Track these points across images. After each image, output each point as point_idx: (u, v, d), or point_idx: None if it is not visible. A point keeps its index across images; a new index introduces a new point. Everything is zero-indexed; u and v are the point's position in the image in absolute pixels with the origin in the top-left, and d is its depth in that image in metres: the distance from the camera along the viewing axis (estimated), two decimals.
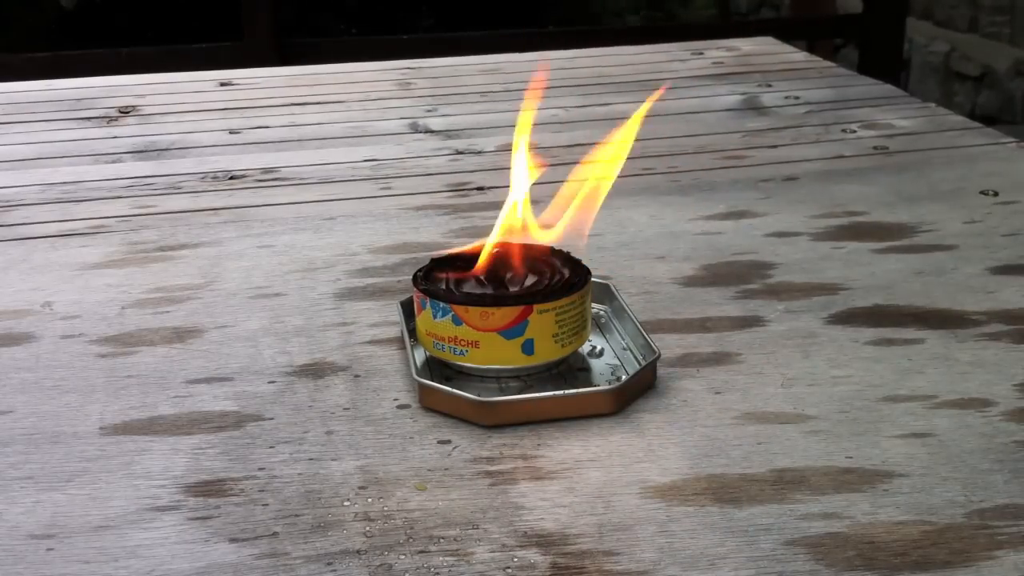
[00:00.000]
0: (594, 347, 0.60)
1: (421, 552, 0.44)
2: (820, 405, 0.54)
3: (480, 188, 0.90)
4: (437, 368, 0.58)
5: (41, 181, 0.94)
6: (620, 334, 0.61)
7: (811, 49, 2.09)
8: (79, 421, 0.54)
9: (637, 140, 0.61)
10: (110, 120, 1.15)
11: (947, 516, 0.45)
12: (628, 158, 0.61)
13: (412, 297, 0.59)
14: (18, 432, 0.54)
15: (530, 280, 0.58)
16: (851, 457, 0.50)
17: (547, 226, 0.59)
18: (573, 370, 0.58)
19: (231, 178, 0.94)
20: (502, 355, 0.55)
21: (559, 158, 0.97)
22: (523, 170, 0.58)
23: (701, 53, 1.40)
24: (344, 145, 1.04)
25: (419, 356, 0.59)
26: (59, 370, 0.60)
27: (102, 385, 0.58)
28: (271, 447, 0.52)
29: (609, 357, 0.60)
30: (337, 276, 0.72)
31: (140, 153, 1.03)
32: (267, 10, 2.26)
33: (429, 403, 0.55)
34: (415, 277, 0.58)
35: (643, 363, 0.57)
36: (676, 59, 1.39)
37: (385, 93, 1.25)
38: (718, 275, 0.71)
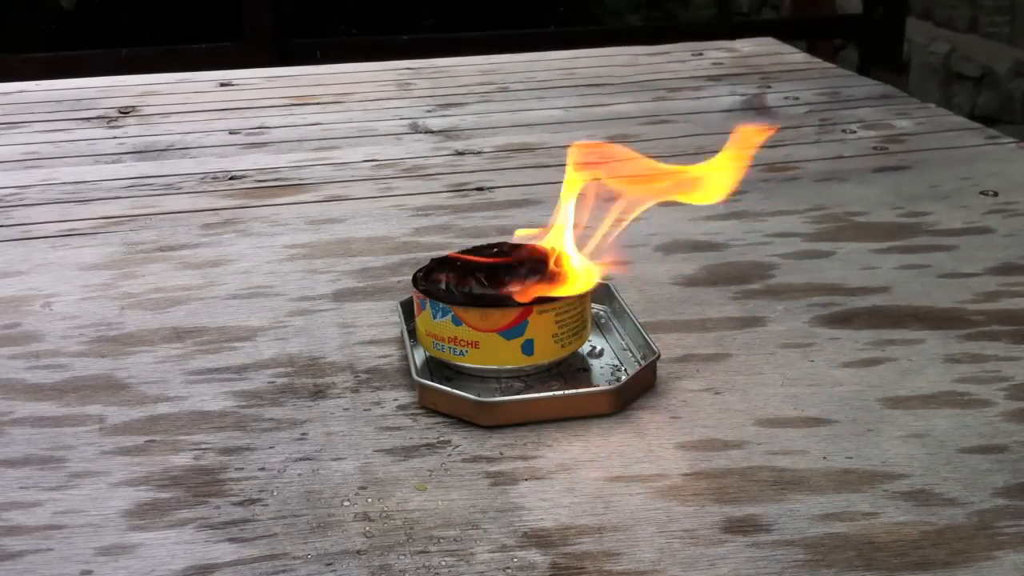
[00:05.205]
0: (594, 347, 0.60)
1: (421, 552, 0.44)
2: (820, 405, 0.54)
3: (480, 188, 0.90)
4: (437, 368, 0.58)
5: (41, 181, 0.94)
6: (620, 334, 0.61)
7: (811, 49, 2.09)
8: (79, 421, 0.54)
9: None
10: (110, 120, 1.15)
11: (947, 516, 0.45)
12: (628, 159, 0.60)
13: (412, 297, 0.59)
14: (18, 432, 0.54)
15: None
16: (851, 457, 0.50)
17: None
18: (573, 370, 0.58)
19: (231, 178, 0.94)
20: (502, 355, 0.55)
21: (559, 158, 0.97)
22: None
23: (701, 54, 1.40)
24: (344, 145, 1.04)
25: (419, 356, 0.59)
26: (60, 370, 0.60)
27: (102, 385, 0.58)
28: (271, 447, 0.52)
29: (609, 357, 0.60)
30: (337, 276, 0.72)
31: (140, 153, 1.03)
32: (267, 10, 2.26)
33: (429, 403, 0.55)
34: (415, 277, 0.58)
35: (643, 363, 0.57)
36: (676, 59, 1.39)
37: (385, 93, 1.25)
38: (718, 275, 0.71)
